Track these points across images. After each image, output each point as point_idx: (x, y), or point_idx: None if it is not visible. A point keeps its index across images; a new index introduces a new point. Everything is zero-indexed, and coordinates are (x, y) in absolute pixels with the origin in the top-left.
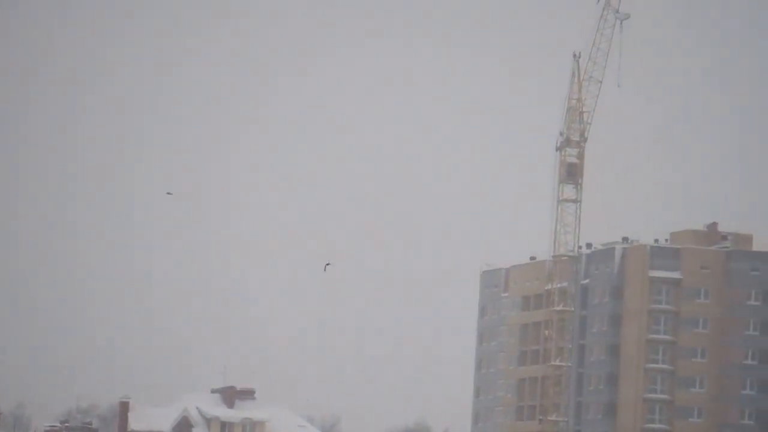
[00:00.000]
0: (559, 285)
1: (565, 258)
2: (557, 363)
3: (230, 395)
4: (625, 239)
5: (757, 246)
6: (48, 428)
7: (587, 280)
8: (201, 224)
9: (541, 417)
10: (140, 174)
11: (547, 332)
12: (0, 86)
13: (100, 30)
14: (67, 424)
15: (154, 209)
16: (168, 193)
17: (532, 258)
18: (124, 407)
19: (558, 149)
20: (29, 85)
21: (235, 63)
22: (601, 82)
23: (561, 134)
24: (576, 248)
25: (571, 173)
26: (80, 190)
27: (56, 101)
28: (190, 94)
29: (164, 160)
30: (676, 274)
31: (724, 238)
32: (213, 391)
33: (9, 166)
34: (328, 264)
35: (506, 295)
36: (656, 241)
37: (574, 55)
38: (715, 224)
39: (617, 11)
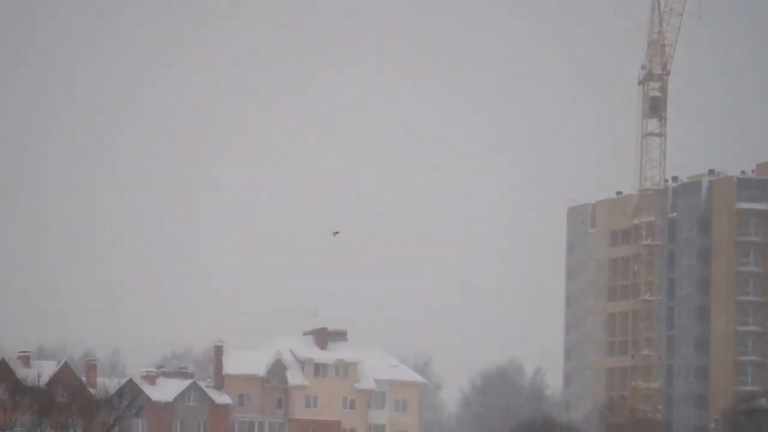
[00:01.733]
0: (646, 219)
1: (651, 192)
2: (647, 297)
3: (322, 337)
4: (711, 172)
5: None
6: (144, 374)
7: (674, 214)
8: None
9: (633, 352)
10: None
11: (635, 267)
12: None
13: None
14: (162, 369)
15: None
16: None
17: (618, 193)
18: (219, 351)
19: (641, 83)
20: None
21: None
22: (681, 14)
23: (643, 68)
24: (662, 182)
25: (655, 107)
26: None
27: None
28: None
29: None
30: (763, 206)
31: None
32: (305, 333)
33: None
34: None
35: (593, 230)
36: (743, 172)
37: None
38: None
39: None
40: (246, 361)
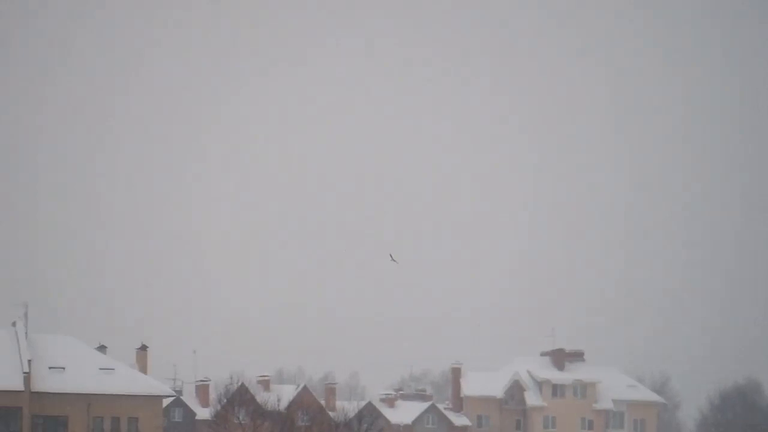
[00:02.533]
0: None
1: None
2: None
3: (560, 358)
4: None
5: None
6: (383, 396)
7: None
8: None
9: None
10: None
11: None
12: None
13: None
14: (401, 392)
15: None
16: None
17: None
18: (456, 373)
19: None
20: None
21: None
22: None
23: None
24: None
25: None
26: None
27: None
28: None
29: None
30: None
31: None
32: (542, 354)
33: None
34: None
35: None
36: None
37: None
38: None
39: None
40: (484, 382)
